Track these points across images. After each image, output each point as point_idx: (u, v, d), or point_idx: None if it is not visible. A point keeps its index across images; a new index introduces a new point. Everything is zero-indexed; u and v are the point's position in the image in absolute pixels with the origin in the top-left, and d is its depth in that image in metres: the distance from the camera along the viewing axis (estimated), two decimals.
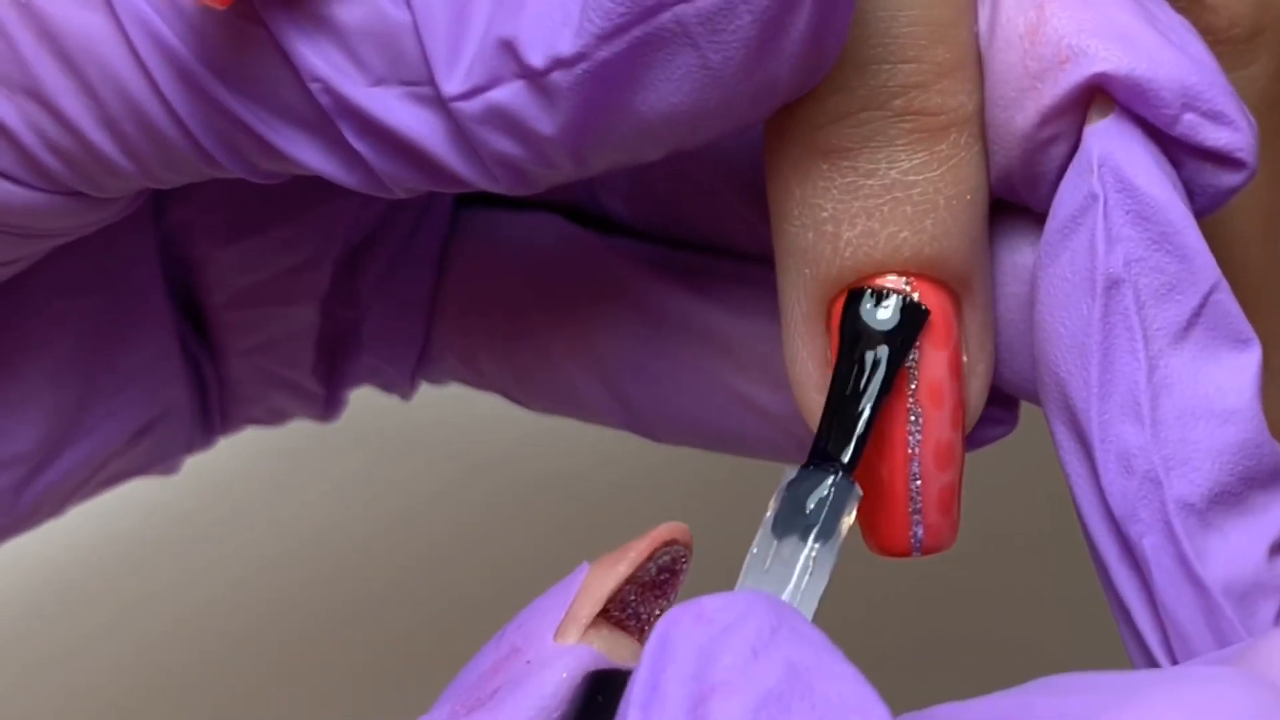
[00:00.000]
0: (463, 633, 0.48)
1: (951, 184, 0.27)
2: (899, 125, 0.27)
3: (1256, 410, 0.27)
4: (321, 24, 0.25)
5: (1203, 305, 0.27)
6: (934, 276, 0.27)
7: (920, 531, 0.28)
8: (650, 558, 0.26)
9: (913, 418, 0.27)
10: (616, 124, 0.25)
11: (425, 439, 0.51)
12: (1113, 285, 0.26)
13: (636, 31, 0.24)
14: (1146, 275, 0.27)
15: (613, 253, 0.32)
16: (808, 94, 0.27)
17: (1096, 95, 0.27)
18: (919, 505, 0.27)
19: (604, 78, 0.25)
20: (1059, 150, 0.27)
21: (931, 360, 0.27)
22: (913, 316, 0.27)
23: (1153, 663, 0.27)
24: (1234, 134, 0.27)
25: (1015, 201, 0.28)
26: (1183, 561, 0.26)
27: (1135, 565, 0.27)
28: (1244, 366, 0.27)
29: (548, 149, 0.25)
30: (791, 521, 0.27)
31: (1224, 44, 0.31)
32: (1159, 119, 0.27)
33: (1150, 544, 0.26)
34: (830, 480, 0.27)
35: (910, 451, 0.27)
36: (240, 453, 0.47)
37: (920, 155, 0.27)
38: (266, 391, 0.33)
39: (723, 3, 0.24)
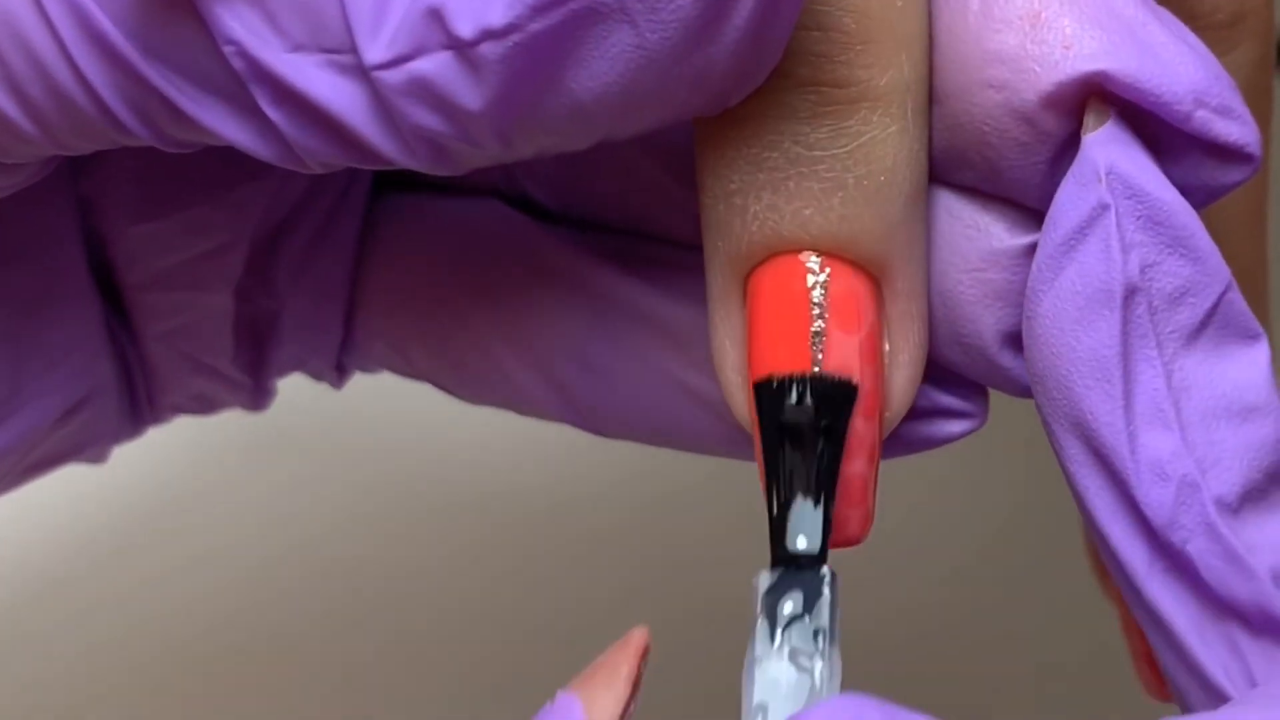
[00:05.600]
0: (435, 644, 0.47)
1: (861, 163, 0.26)
2: (804, 96, 0.26)
3: (1275, 403, 0.26)
4: None
5: (1216, 306, 0.26)
6: (845, 258, 0.26)
7: None
8: (641, 669, 0.26)
9: None
10: (546, 101, 0.24)
11: (390, 444, 0.50)
12: (1130, 294, 0.26)
13: (573, 4, 0.24)
14: (1160, 280, 0.26)
15: (550, 236, 0.31)
16: None
17: (1091, 101, 0.26)
18: None
19: (535, 51, 0.24)
20: (1054, 140, 0.26)
21: (839, 344, 0.26)
22: (840, 394, 0.26)
23: (1197, 673, 0.26)
24: (1243, 128, 0.26)
25: (994, 191, 0.27)
26: (1233, 558, 0.25)
27: (1175, 573, 0.26)
28: (1255, 360, 0.26)
29: (472, 125, 0.25)
30: (788, 630, 0.26)
31: (1206, 30, 0.30)
32: (1171, 115, 0.26)
33: (1195, 548, 0.25)
34: (814, 578, 0.26)
35: None
36: (212, 452, 0.48)
37: (825, 130, 0.26)
38: (188, 378, 0.32)
39: None
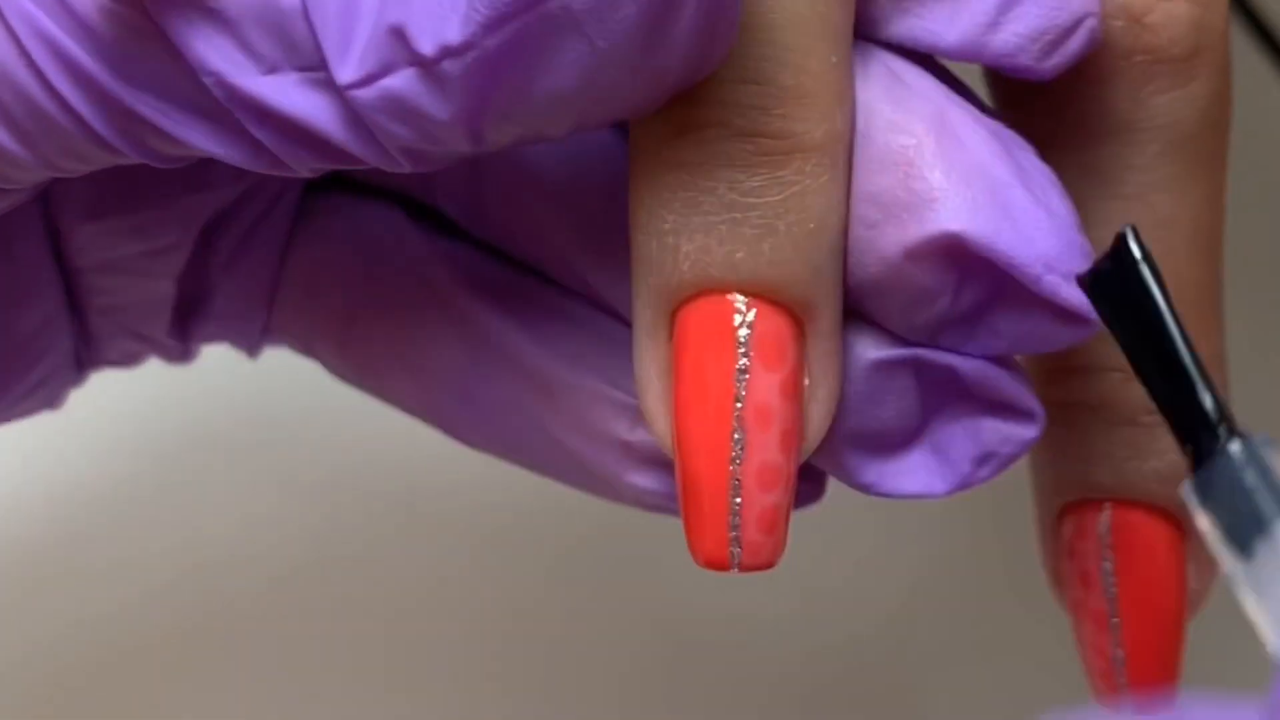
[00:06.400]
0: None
1: (793, 210, 0.27)
2: (741, 146, 0.27)
3: None
4: (212, 16, 0.26)
5: None
6: (773, 300, 0.27)
7: (739, 550, 0.28)
8: None
9: (736, 435, 0.28)
10: (511, 107, 0.26)
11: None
12: None
13: (524, 19, 0.25)
14: None
15: (443, 261, 0.32)
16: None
17: None
18: (738, 523, 0.28)
19: (494, 64, 0.25)
20: (911, 285, 0.28)
21: (761, 382, 0.27)
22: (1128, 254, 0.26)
23: None
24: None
25: (860, 309, 0.29)
26: None
27: None
28: None
29: (443, 134, 0.26)
30: (1249, 524, 0.23)
31: (1164, 63, 0.30)
32: (1022, 277, 0.27)
33: None
34: (1244, 451, 0.24)
35: (731, 468, 0.28)
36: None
37: (760, 178, 0.27)
38: (123, 342, 0.33)
39: None
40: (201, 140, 0.27)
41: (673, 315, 0.28)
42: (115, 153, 0.27)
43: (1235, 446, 0.23)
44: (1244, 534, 0.23)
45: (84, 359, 0.33)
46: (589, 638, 0.45)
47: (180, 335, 0.33)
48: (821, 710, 0.44)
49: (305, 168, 0.27)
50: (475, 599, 0.45)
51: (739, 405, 0.28)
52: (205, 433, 0.44)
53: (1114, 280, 0.26)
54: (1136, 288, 0.26)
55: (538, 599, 0.46)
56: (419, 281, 0.32)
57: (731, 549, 0.28)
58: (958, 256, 0.28)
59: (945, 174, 0.27)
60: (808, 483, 0.31)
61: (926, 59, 0.29)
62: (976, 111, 0.29)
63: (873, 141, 0.28)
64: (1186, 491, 0.24)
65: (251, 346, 0.34)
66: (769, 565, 0.28)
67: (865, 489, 0.30)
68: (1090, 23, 0.29)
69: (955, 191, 0.27)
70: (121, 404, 0.46)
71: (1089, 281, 0.27)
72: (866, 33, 0.29)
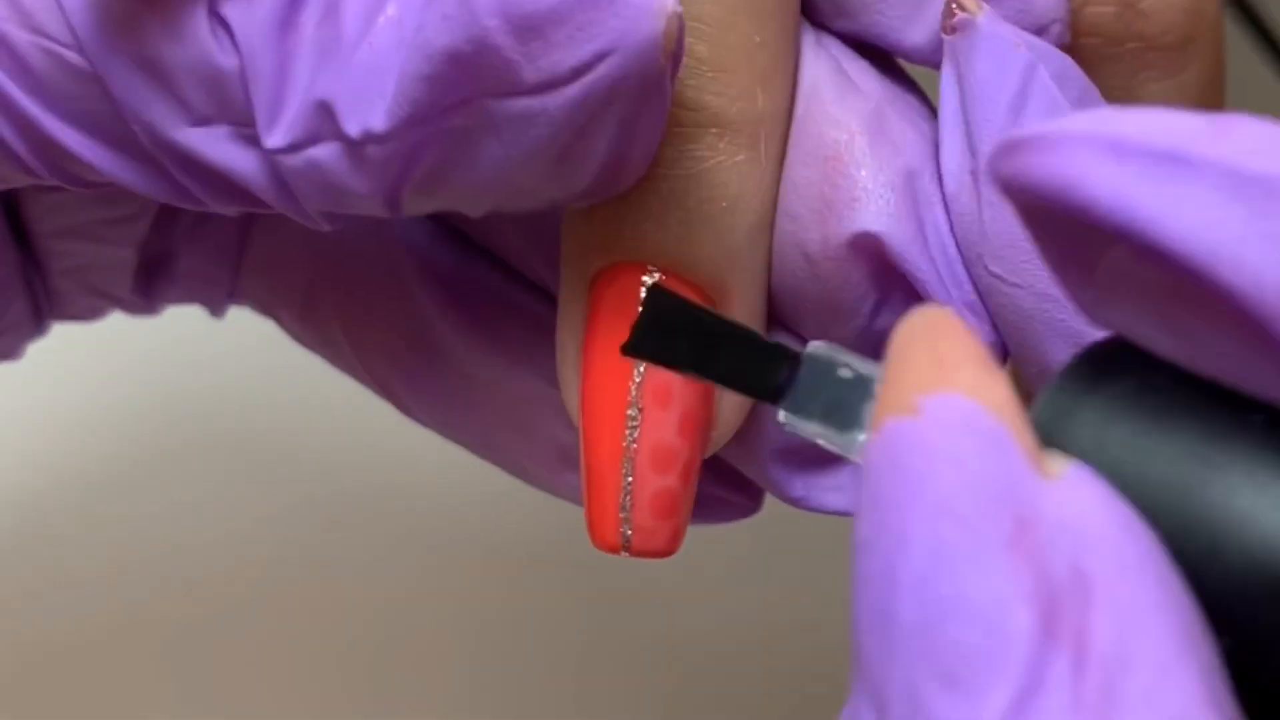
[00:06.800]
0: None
1: (704, 186, 0.26)
2: None
3: None
4: (150, 66, 0.25)
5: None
6: (683, 277, 0.26)
7: (629, 531, 0.27)
8: None
9: (632, 412, 0.27)
10: (430, 190, 0.25)
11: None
12: None
13: (446, 121, 0.24)
14: None
15: (403, 244, 0.32)
16: None
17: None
18: (629, 503, 0.27)
19: (413, 155, 0.25)
20: (825, 282, 0.27)
21: None
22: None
23: None
24: None
25: (776, 316, 0.28)
26: None
27: None
28: None
29: (361, 202, 0.26)
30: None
31: (1156, 50, 0.29)
32: (930, 293, 0.27)
33: None
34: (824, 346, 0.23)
35: (625, 445, 0.27)
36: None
37: (671, 150, 0.26)
38: (87, 299, 0.33)
39: (523, 110, 0.24)
40: (125, 176, 0.27)
41: (591, 284, 0.27)
42: (34, 176, 0.27)
43: (813, 346, 0.23)
44: (847, 416, 0.23)
45: (45, 312, 0.33)
46: (585, 636, 0.45)
47: (144, 293, 0.33)
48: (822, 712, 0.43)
49: (227, 210, 0.27)
50: (468, 597, 0.45)
51: (636, 380, 0.26)
52: (197, 432, 0.44)
53: (653, 329, 0.24)
54: (676, 317, 0.24)
55: (532, 598, 0.45)
56: (377, 260, 0.32)
57: (623, 530, 0.27)
58: (875, 265, 0.27)
59: (872, 174, 0.26)
60: (745, 496, 0.30)
61: (884, 57, 0.28)
62: (921, 115, 0.28)
63: (807, 133, 0.27)
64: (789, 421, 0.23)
65: (217, 308, 0.34)
66: (664, 553, 0.27)
67: (795, 503, 0.29)
68: (1056, 28, 0.28)
69: (878, 194, 0.26)
70: (110, 400, 0.46)
71: (635, 347, 0.24)
72: (828, 25, 0.28)
